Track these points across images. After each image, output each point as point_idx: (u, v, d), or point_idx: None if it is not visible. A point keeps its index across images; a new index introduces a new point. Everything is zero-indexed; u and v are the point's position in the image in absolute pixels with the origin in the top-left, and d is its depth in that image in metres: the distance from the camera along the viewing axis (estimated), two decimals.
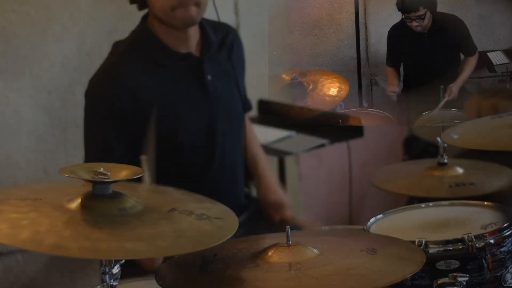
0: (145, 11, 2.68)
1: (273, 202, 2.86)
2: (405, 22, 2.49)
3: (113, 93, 2.60)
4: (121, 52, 2.68)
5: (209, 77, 2.68)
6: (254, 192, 3.40)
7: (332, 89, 2.57)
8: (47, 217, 1.69)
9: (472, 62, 2.49)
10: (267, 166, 2.99)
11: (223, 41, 2.77)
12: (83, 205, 1.72)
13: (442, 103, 2.48)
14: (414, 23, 2.46)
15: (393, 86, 2.54)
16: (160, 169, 2.46)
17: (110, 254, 1.65)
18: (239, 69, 2.84)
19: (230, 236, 1.77)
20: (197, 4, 2.58)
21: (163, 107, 2.63)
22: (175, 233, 1.72)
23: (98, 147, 2.63)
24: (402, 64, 2.55)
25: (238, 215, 1.94)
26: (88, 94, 2.66)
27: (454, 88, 2.49)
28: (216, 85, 2.69)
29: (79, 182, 1.78)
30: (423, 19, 2.45)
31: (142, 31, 2.68)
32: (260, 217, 2.85)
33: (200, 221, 1.79)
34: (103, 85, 2.63)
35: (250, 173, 2.93)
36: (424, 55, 2.52)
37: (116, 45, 2.72)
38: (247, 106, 2.96)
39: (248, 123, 2.97)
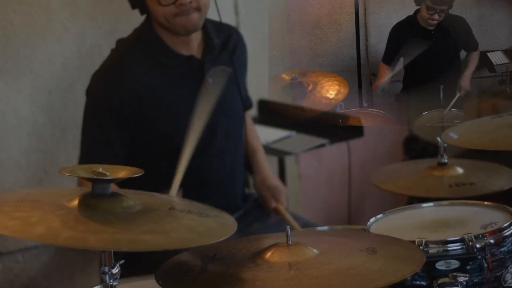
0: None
1: (272, 187, 2.85)
2: (411, 19, 2.48)
3: (114, 91, 2.61)
4: (125, 51, 2.69)
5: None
6: (252, 188, 3.40)
7: (331, 91, 2.57)
8: (54, 215, 1.68)
9: (475, 56, 2.49)
10: (264, 158, 3.00)
11: (225, 43, 2.76)
12: (85, 205, 1.72)
13: (454, 100, 2.48)
14: (436, 16, 2.46)
15: (381, 81, 2.54)
16: (157, 170, 2.47)
17: (130, 245, 1.65)
18: (240, 71, 2.83)
19: (236, 229, 1.79)
20: (198, 9, 2.58)
21: (163, 107, 2.63)
22: (185, 227, 1.73)
23: (96, 143, 2.63)
24: (403, 62, 2.55)
25: (233, 214, 1.94)
26: (90, 90, 2.67)
27: (463, 83, 2.49)
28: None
29: (71, 186, 1.77)
30: (444, 14, 2.45)
31: (146, 31, 2.68)
32: (255, 216, 2.86)
33: (202, 218, 1.79)
34: (105, 82, 2.64)
35: (249, 163, 2.93)
36: (428, 53, 2.51)
37: (120, 43, 2.73)
38: (247, 104, 2.95)
39: (248, 118, 2.98)
